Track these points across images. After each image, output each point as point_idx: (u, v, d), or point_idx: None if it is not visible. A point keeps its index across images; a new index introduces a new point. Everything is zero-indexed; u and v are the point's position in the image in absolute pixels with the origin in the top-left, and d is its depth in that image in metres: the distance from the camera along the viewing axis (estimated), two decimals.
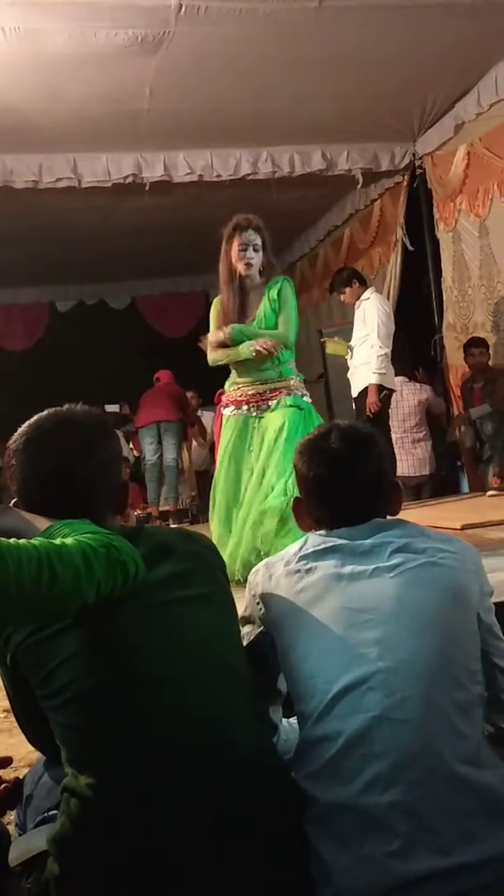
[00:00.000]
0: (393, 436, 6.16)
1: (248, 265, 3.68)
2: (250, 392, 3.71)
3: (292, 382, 3.69)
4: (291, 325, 3.67)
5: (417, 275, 6.94)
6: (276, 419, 3.60)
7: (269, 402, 3.66)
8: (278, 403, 3.64)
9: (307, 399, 3.70)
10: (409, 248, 6.72)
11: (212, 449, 8.35)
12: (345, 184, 6.76)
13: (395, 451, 6.15)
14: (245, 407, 3.72)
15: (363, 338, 5.62)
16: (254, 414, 3.70)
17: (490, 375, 5.80)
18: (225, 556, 3.60)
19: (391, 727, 1.32)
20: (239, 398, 3.74)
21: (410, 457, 6.39)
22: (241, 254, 3.68)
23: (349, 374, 5.85)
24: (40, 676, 1.34)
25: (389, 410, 6.03)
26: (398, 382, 6.27)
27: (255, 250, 3.68)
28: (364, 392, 5.53)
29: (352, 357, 5.77)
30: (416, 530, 1.57)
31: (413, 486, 6.38)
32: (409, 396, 6.45)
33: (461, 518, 4.29)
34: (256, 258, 3.69)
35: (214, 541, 3.58)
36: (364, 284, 5.81)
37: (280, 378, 3.68)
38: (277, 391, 3.66)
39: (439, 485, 6.63)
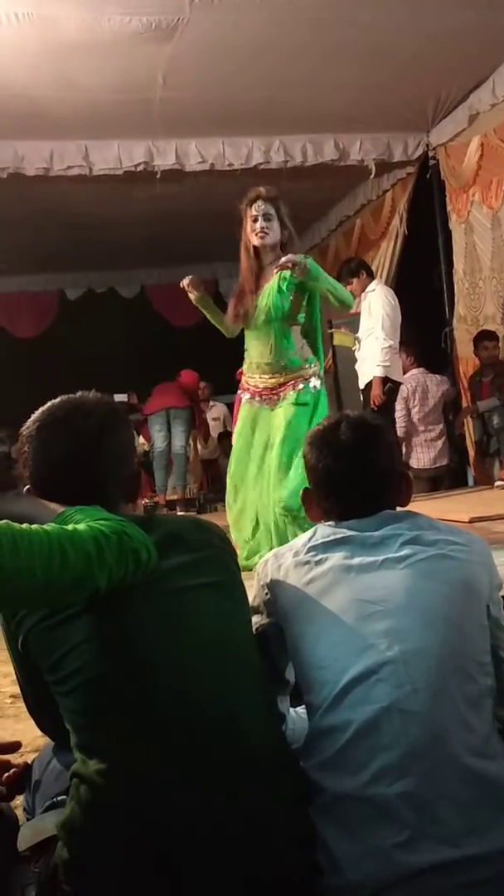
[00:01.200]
0: (417, 428, 6.16)
1: (261, 236, 3.59)
2: (261, 387, 3.70)
3: (301, 372, 3.64)
4: (341, 289, 3.57)
5: (429, 266, 6.91)
6: (278, 418, 3.60)
7: (279, 396, 3.64)
8: (284, 399, 3.61)
9: (315, 387, 3.62)
10: (403, 237, 6.70)
11: (222, 437, 8.37)
12: (357, 174, 6.73)
13: (418, 443, 6.15)
14: (258, 399, 3.71)
15: (369, 330, 5.60)
16: (267, 407, 3.69)
17: (499, 369, 5.78)
18: (238, 539, 3.61)
19: (400, 718, 1.32)
20: (253, 388, 3.73)
21: (433, 449, 6.36)
22: (254, 225, 3.62)
23: (357, 366, 5.84)
24: (50, 661, 1.35)
25: (413, 403, 6.05)
26: (420, 374, 6.27)
27: (268, 219, 3.59)
28: (371, 384, 5.53)
29: (359, 348, 5.76)
30: (427, 522, 1.57)
31: (429, 478, 6.37)
32: (433, 388, 6.41)
33: (469, 511, 4.29)
34: (270, 227, 3.59)
35: (230, 521, 3.62)
36: (371, 276, 5.79)
37: (287, 369, 3.64)
38: (285, 385, 3.63)
39: (453, 476, 6.62)
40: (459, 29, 4.78)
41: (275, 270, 3.49)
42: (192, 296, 3.81)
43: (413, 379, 6.31)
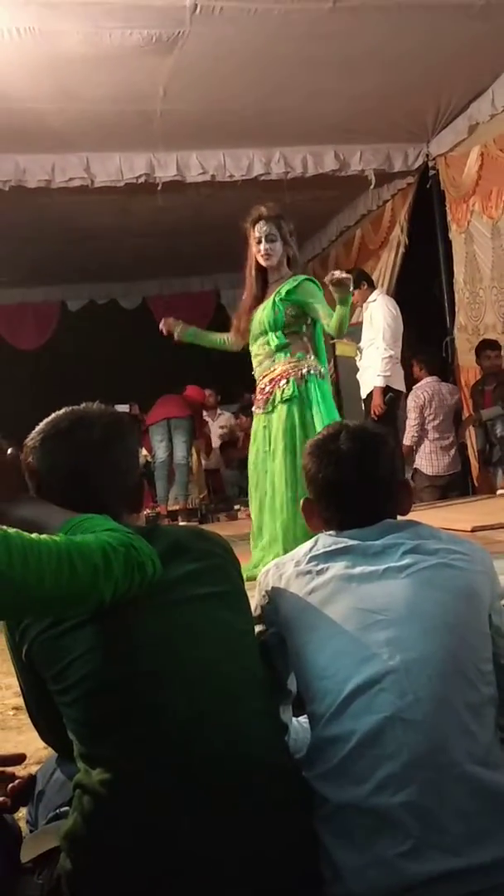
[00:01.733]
0: (431, 435, 6.16)
1: (265, 257, 3.67)
2: (259, 389, 3.74)
3: (288, 366, 3.62)
4: (332, 319, 3.52)
5: (429, 276, 6.93)
6: (274, 424, 3.62)
7: (270, 396, 3.65)
8: (275, 400, 3.62)
9: (302, 375, 3.58)
10: (405, 247, 6.72)
11: (225, 447, 8.38)
12: (357, 185, 6.76)
13: (433, 450, 6.15)
14: (259, 406, 3.73)
15: (370, 340, 5.63)
16: (261, 410, 3.72)
17: (502, 378, 5.79)
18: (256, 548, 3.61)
19: (403, 728, 1.32)
20: (256, 398, 3.79)
21: (447, 456, 6.35)
22: (258, 247, 3.70)
23: (358, 376, 5.86)
24: (54, 671, 1.35)
25: (428, 414, 6.06)
26: (434, 382, 6.28)
27: (271, 240, 3.65)
28: (372, 394, 5.54)
29: (361, 358, 5.78)
30: (428, 531, 1.57)
31: (442, 486, 6.37)
32: (448, 396, 6.41)
33: (471, 520, 4.28)
34: (273, 248, 3.66)
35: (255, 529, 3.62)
36: (372, 286, 5.82)
37: (274, 364, 3.65)
38: (273, 382, 3.64)
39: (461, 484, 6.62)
40: (459, 40, 4.81)
41: (328, 282, 3.50)
42: (176, 334, 3.87)
43: (428, 387, 6.33)
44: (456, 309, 6.65)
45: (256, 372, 3.77)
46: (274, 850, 1.30)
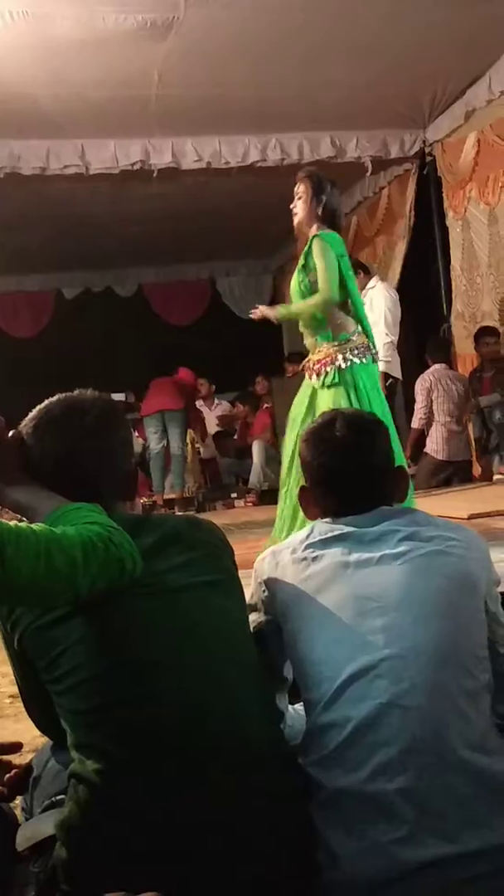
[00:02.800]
0: (441, 419, 6.12)
1: (293, 215, 3.67)
2: (308, 359, 3.65)
3: (331, 350, 3.50)
4: (323, 285, 3.45)
5: (426, 263, 6.91)
6: (318, 407, 3.50)
7: (319, 372, 3.53)
8: (325, 381, 3.51)
9: (341, 366, 3.46)
10: (408, 236, 6.69)
11: (220, 436, 8.37)
12: (354, 171, 6.73)
13: (442, 434, 6.11)
14: (310, 375, 3.62)
15: (371, 325, 5.59)
16: (314, 382, 3.58)
17: (500, 365, 5.78)
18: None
19: (399, 714, 1.32)
20: (305, 366, 3.68)
21: (456, 441, 6.28)
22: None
23: None
24: (46, 661, 1.34)
25: (436, 397, 6.04)
26: (442, 368, 6.26)
27: (298, 198, 3.64)
28: None
29: None
30: (424, 518, 1.57)
31: (449, 472, 6.31)
32: (456, 382, 6.37)
33: (468, 507, 4.29)
34: (296, 206, 3.65)
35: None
36: (368, 273, 5.80)
37: (319, 344, 3.55)
38: (320, 363, 3.54)
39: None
40: (454, 25, 4.78)
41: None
42: (274, 319, 3.80)
43: (435, 373, 6.30)
44: (453, 296, 6.64)
45: (306, 341, 3.66)
46: (271, 837, 1.30)
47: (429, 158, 6.58)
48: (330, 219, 3.60)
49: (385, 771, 1.30)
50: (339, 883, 1.29)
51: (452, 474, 6.29)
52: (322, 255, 3.45)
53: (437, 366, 6.33)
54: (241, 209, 7.31)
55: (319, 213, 3.58)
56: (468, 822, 1.27)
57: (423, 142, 6.50)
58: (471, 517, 4.01)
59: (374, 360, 3.60)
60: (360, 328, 3.57)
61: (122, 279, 10.04)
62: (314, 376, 3.55)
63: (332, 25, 4.64)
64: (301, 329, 3.64)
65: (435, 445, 6.25)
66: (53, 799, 1.46)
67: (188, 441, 7.34)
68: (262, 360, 8.60)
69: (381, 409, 3.48)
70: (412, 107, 6.04)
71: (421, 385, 6.24)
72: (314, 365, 3.55)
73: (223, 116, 5.67)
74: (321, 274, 3.45)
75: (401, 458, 3.51)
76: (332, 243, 3.48)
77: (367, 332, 3.59)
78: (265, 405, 7.80)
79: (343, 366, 3.45)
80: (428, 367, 6.33)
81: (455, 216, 6.42)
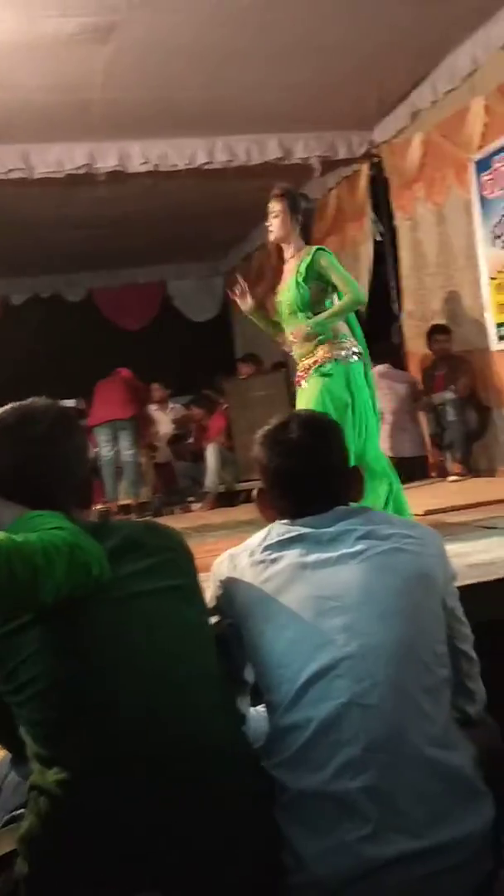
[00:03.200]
0: (387, 419, 6.16)
1: (269, 233, 3.74)
2: (300, 371, 3.67)
3: (330, 347, 3.54)
4: (348, 282, 3.57)
5: (376, 262, 6.97)
6: (305, 394, 3.56)
7: (316, 368, 3.57)
8: (320, 370, 3.54)
9: (339, 358, 3.51)
10: (379, 236, 6.72)
11: (176, 439, 8.32)
12: (302, 173, 6.75)
13: (390, 434, 6.15)
14: (299, 383, 3.67)
15: None
16: (301, 388, 3.66)
17: (452, 362, 5.86)
18: None
19: (361, 713, 1.32)
20: (298, 376, 3.71)
21: (407, 439, 6.31)
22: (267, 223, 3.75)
23: None
24: (5, 672, 1.32)
25: (380, 396, 6.07)
26: (385, 368, 6.30)
27: (275, 217, 3.68)
28: None
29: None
30: (380, 517, 1.58)
31: (405, 469, 6.35)
32: (399, 381, 6.41)
33: (424, 504, 4.33)
34: (273, 224, 3.70)
35: None
36: None
37: (316, 349, 3.56)
38: (317, 362, 3.56)
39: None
40: (399, 27, 4.83)
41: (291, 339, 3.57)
42: (243, 307, 3.83)
43: (377, 372, 6.34)
44: (403, 295, 6.71)
45: (295, 353, 3.69)
46: (235, 840, 1.29)
47: (376, 159, 6.63)
48: (306, 234, 3.69)
49: (348, 770, 1.30)
50: (305, 884, 1.29)
51: (411, 471, 6.34)
52: (333, 265, 3.56)
53: (380, 366, 6.38)
54: (191, 212, 7.30)
55: (298, 230, 3.66)
56: (431, 818, 1.28)
57: (371, 143, 6.55)
58: (426, 513, 4.06)
59: (366, 364, 3.66)
60: (351, 333, 3.64)
61: (71, 284, 9.94)
62: (304, 382, 3.59)
63: (276, 27, 4.65)
64: (299, 341, 3.63)
65: (385, 444, 6.29)
66: (14, 813, 1.44)
67: (142, 447, 7.30)
68: (215, 363, 8.60)
69: (372, 404, 3.59)
70: (359, 108, 6.08)
71: None
72: (308, 367, 3.58)
73: (169, 119, 5.65)
74: (343, 280, 3.55)
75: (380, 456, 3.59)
76: (331, 255, 3.61)
77: (357, 338, 3.65)
78: (221, 408, 7.79)
79: (340, 357, 3.52)
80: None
81: (403, 216, 6.49)
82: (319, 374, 3.51)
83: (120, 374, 7.11)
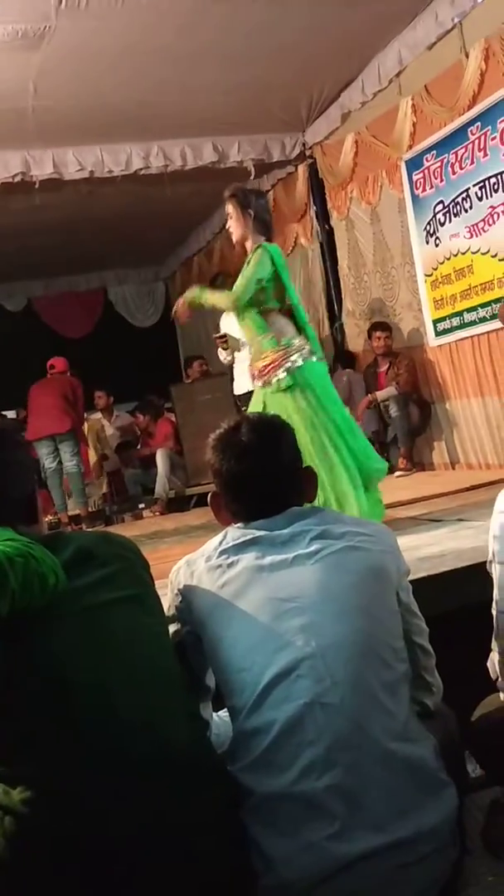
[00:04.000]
0: None
1: (231, 235, 3.76)
2: (255, 368, 3.66)
3: (277, 356, 3.54)
4: (240, 286, 3.55)
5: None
6: (286, 410, 3.49)
7: (269, 376, 3.56)
8: (278, 385, 3.55)
9: (289, 369, 3.51)
10: (318, 235, 6.79)
11: (123, 447, 8.26)
12: (237, 176, 6.76)
13: None
14: (258, 380, 3.64)
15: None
16: (260, 384, 3.62)
17: (393, 359, 5.93)
18: None
19: (323, 712, 1.34)
20: (251, 371, 3.72)
21: None
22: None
23: (237, 373, 5.89)
24: None
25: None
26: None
27: (230, 218, 3.71)
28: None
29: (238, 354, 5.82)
30: (332, 516, 1.60)
31: None
32: (339, 379, 6.46)
33: None
34: (230, 227, 3.72)
35: None
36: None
37: (263, 353, 3.58)
38: (267, 368, 3.56)
39: None
40: (327, 29, 4.88)
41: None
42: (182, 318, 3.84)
43: (350, 374, 6.42)
44: (343, 295, 6.78)
45: (252, 350, 3.70)
46: (204, 847, 1.29)
47: (310, 161, 6.69)
48: (262, 228, 3.68)
49: (313, 770, 1.31)
50: (276, 886, 1.29)
51: None
52: (255, 264, 3.53)
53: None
54: (129, 217, 7.25)
55: (252, 225, 3.66)
56: (397, 812, 1.30)
57: (304, 144, 6.61)
58: None
59: (319, 360, 3.68)
60: (301, 333, 3.64)
61: (10, 293, 9.81)
62: (262, 382, 3.59)
63: (204, 32, 4.66)
64: (246, 339, 3.70)
65: None
66: None
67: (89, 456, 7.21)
68: (160, 368, 8.56)
69: (340, 403, 3.62)
70: (290, 110, 6.13)
71: None
72: (261, 370, 3.59)
73: (104, 125, 5.61)
74: (241, 278, 3.55)
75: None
76: (273, 255, 3.56)
77: (308, 336, 3.65)
78: (166, 413, 7.76)
79: (293, 366, 3.52)
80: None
81: (339, 216, 6.56)
82: (277, 391, 3.52)
83: (55, 368, 6.91)
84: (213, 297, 3.68)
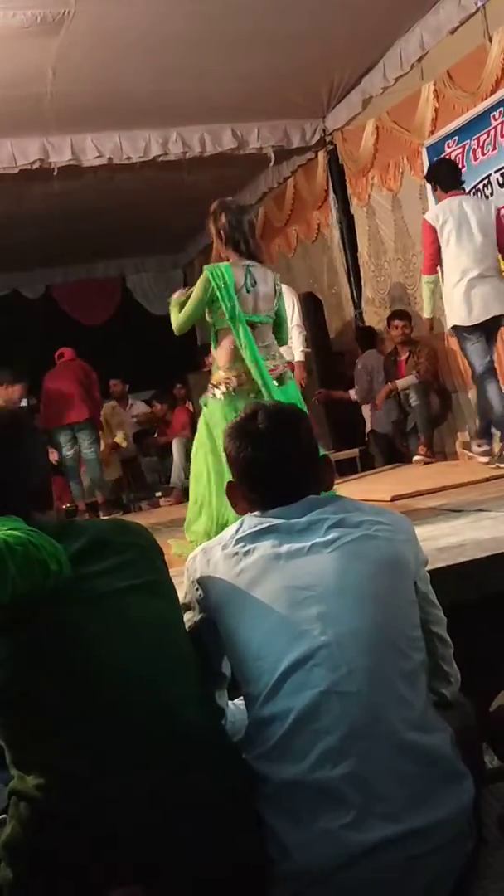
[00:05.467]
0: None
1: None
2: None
3: (212, 379, 3.64)
4: (183, 312, 3.63)
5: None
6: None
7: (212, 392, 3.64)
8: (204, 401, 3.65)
9: (212, 396, 3.59)
10: (339, 222, 6.77)
11: (141, 435, 8.29)
12: (256, 162, 6.75)
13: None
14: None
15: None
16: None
17: (413, 347, 5.90)
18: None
19: (339, 701, 1.33)
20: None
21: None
22: None
23: None
24: None
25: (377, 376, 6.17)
26: (376, 353, 6.40)
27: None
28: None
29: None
30: (351, 505, 1.58)
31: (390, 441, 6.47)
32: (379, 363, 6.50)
33: (390, 490, 4.36)
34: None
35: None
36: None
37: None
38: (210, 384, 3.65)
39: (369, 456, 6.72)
40: (347, 14, 4.84)
41: None
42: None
43: (372, 356, 6.41)
44: (362, 283, 6.73)
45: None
46: (218, 834, 1.29)
47: (330, 147, 6.64)
48: (233, 244, 3.66)
49: (328, 758, 1.31)
50: (291, 874, 1.29)
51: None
52: (195, 289, 3.59)
53: (370, 350, 6.44)
54: (147, 204, 7.24)
55: (224, 242, 3.67)
56: (413, 801, 1.29)
57: (324, 131, 6.56)
58: (393, 499, 4.08)
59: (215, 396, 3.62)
60: (223, 368, 3.61)
61: (29, 281, 9.83)
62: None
63: (227, 16, 4.63)
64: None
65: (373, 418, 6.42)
66: None
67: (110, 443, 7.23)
68: (177, 356, 8.55)
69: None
70: (310, 96, 6.09)
71: (362, 366, 6.40)
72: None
73: (122, 111, 5.60)
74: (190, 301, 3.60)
75: None
76: (212, 277, 3.53)
77: (250, 354, 3.55)
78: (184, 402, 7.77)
79: (213, 396, 3.60)
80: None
81: (359, 203, 6.51)
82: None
83: (64, 357, 6.92)
84: (173, 315, 3.71)
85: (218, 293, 3.50)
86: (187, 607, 1.59)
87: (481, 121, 4.94)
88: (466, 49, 4.94)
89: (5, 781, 1.38)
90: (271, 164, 6.67)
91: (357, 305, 6.86)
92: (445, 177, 4.55)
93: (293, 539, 1.50)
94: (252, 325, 3.55)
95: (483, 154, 4.98)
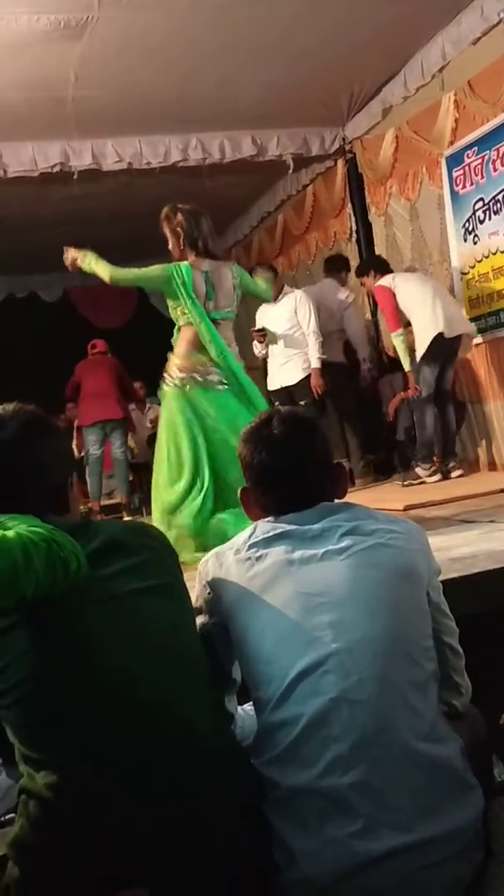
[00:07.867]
0: None
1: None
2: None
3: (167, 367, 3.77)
4: (130, 270, 3.79)
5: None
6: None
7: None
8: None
9: (165, 385, 3.74)
10: (356, 231, 6.77)
11: (151, 441, 8.29)
12: (276, 169, 6.76)
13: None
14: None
15: (293, 328, 5.77)
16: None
17: None
18: None
19: (349, 708, 1.33)
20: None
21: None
22: None
23: (280, 366, 5.94)
24: None
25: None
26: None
27: None
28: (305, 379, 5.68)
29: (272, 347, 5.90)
30: (364, 512, 1.58)
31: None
32: None
33: (403, 499, 4.35)
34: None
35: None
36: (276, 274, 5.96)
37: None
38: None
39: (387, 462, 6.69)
40: (369, 23, 4.84)
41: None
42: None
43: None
44: None
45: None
46: (226, 839, 1.29)
47: (349, 155, 6.65)
48: (190, 240, 3.76)
49: (338, 766, 1.30)
50: (297, 881, 1.29)
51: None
52: (154, 267, 3.76)
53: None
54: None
55: (181, 241, 3.78)
56: (421, 811, 1.29)
57: (343, 139, 6.57)
58: (406, 508, 4.08)
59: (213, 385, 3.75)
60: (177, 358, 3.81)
61: (47, 284, 9.87)
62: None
63: (247, 25, 4.64)
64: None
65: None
66: (3, 818, 1.43)
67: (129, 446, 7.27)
68: None
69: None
70: (330, 104, 6.09)
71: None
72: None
73: (143, 116, 5.62)
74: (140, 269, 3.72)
75: None
76: (173, 275, 3.69)
77: (216, 347, 3.71)
78: None
79: (167, 385, 3.81)
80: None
81: (377, 212, 6.50)
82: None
83: (97, 353, 6.95)
84: (96, 266, 3.84)
85: (178, 292, 3.66)
86: (199, 611, 1.59)
87: (501, 131, 4.93)
88: (488, 60, 4.93)
89: (15, 779, 1.38)
90: (290, 171, 6.68)
91: (374, 314, 6.84)
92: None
93: (306, 545, 1.49)
94: (215, 322, 3.70)
95: (503, 165, 4.98)
